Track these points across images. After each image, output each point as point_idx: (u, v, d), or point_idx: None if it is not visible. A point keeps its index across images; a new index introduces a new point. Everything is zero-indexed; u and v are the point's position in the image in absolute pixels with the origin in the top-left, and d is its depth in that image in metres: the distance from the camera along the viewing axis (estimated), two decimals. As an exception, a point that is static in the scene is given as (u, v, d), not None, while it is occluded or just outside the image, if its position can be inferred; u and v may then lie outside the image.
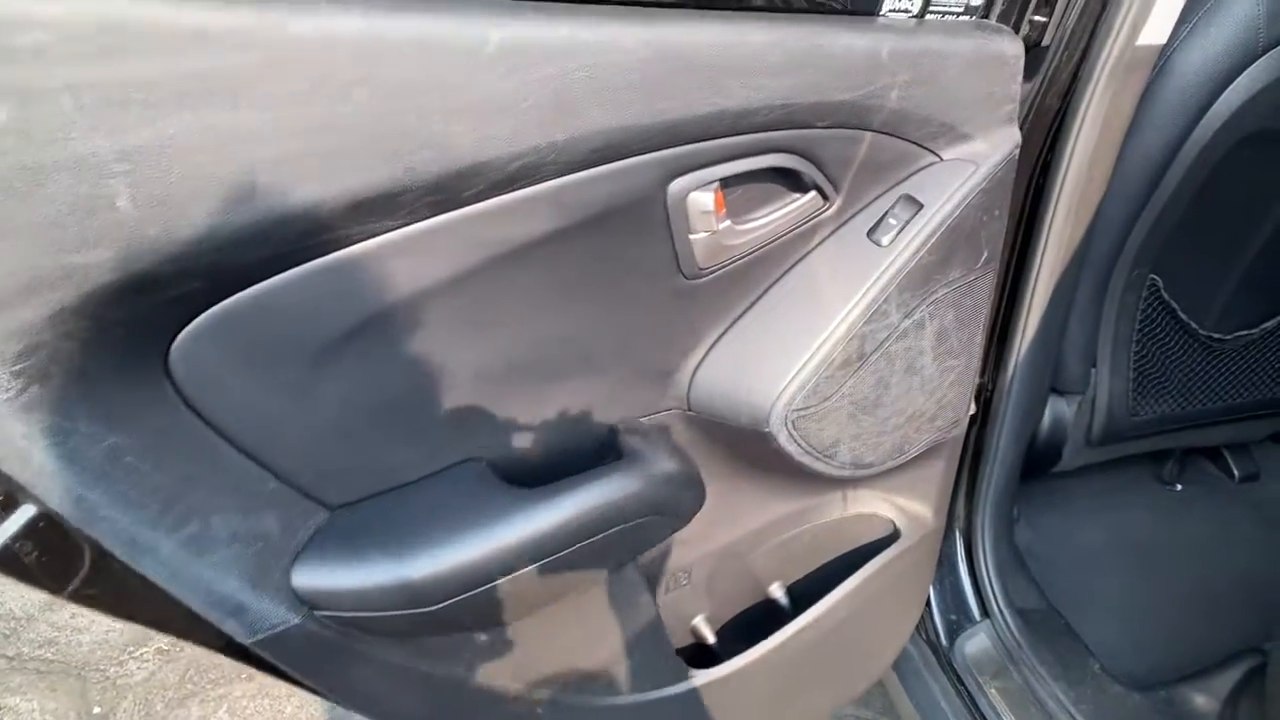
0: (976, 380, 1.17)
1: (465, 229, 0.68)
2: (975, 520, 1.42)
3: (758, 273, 0.93)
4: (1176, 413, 1.54)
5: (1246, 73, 1.15)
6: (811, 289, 0.94)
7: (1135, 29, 1.01)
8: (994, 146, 0.93)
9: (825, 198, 0.90)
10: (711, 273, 0.88)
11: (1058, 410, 1.51)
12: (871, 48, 0.79)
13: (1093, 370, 1.47)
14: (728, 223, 0.84)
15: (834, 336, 0.91)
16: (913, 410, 1.05)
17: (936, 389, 1.05)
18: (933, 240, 0.92)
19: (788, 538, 1.20)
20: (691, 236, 0.83)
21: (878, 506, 1.23)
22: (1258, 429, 1.67)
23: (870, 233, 0.93)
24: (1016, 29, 0.96)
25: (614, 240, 0.79)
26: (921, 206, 0.92)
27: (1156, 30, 1.02)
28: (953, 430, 1.13)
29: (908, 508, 1.23)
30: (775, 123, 0.77)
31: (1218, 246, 1.39)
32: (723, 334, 0.95)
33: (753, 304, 0.95)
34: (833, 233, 0.94)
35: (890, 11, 0.86)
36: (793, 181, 0.88)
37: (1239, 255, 1.40)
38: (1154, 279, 1.38)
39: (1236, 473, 1.77)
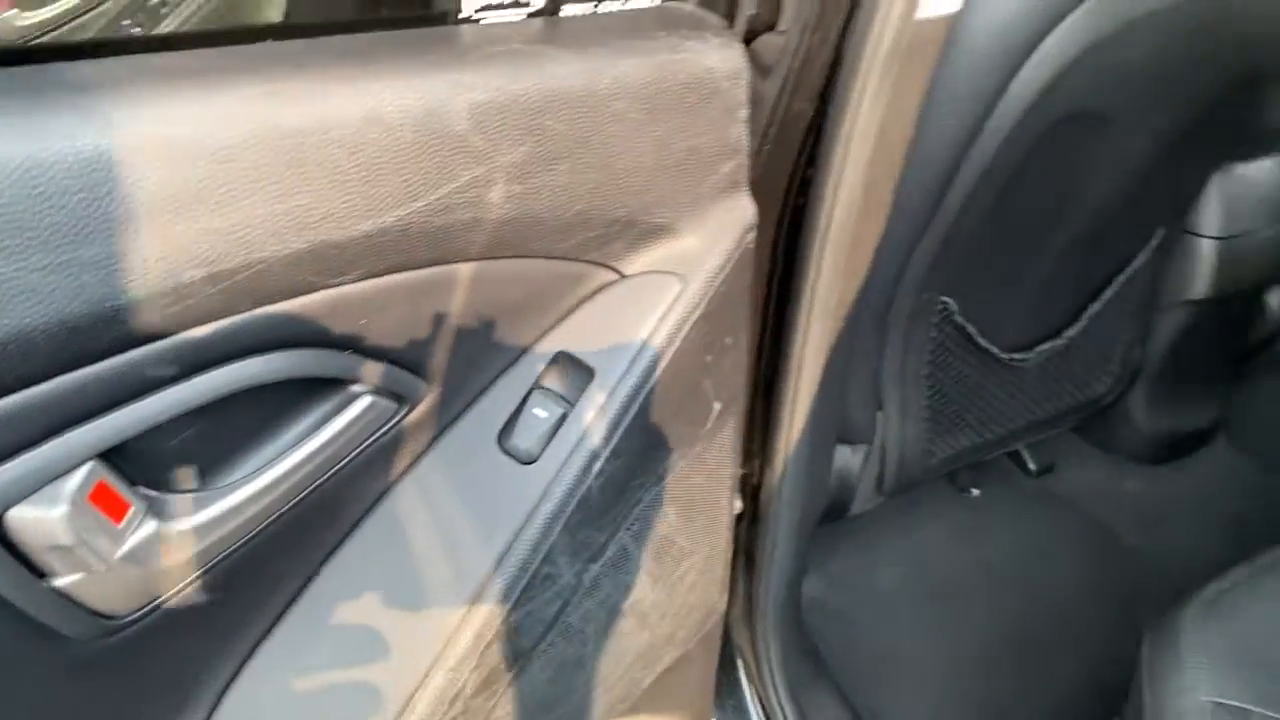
0: (734, 512, 0.84)
1: None
2: (758, 638, 1.11)
3: (277, 567, 0.47)
4: (976, 443, 1.30)
5: (1052, 37, 0.81)
6: (392, 572, 0.49)
7: None
8: (713, 238, 0.53)
9: (399, 397, 0.45)
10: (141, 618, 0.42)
11: (843, 461, 1.24)
12: (438, 105, 0.41)
13: (879, 414, 1.19)
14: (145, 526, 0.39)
15: (448, 659, 0.47)
16: (637, 651, 0.64)
17: (669, 608, 0.65)
18: (624, 424, 0.50)
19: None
20: (59, 583, 0.41)
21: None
22: (1059, 428, 1.47)
23: (502, 438, 0.48)
24: (731, 12, 0.53)
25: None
26: (593, 373, 0.48)
27: None
28: (706, 624, 0.75)
29: None
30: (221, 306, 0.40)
31: (1020, 252, 1.10)
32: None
33: (268, 632, 0.49)
34: (427, 451, 0.49)
35: (485, 10, 0.42)
36: (316, 387, 0.43)
37: (1042, 259, 1.12)
38: (945, 302, 1.09)
39: (1033, 467, 1.61)
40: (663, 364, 0.52)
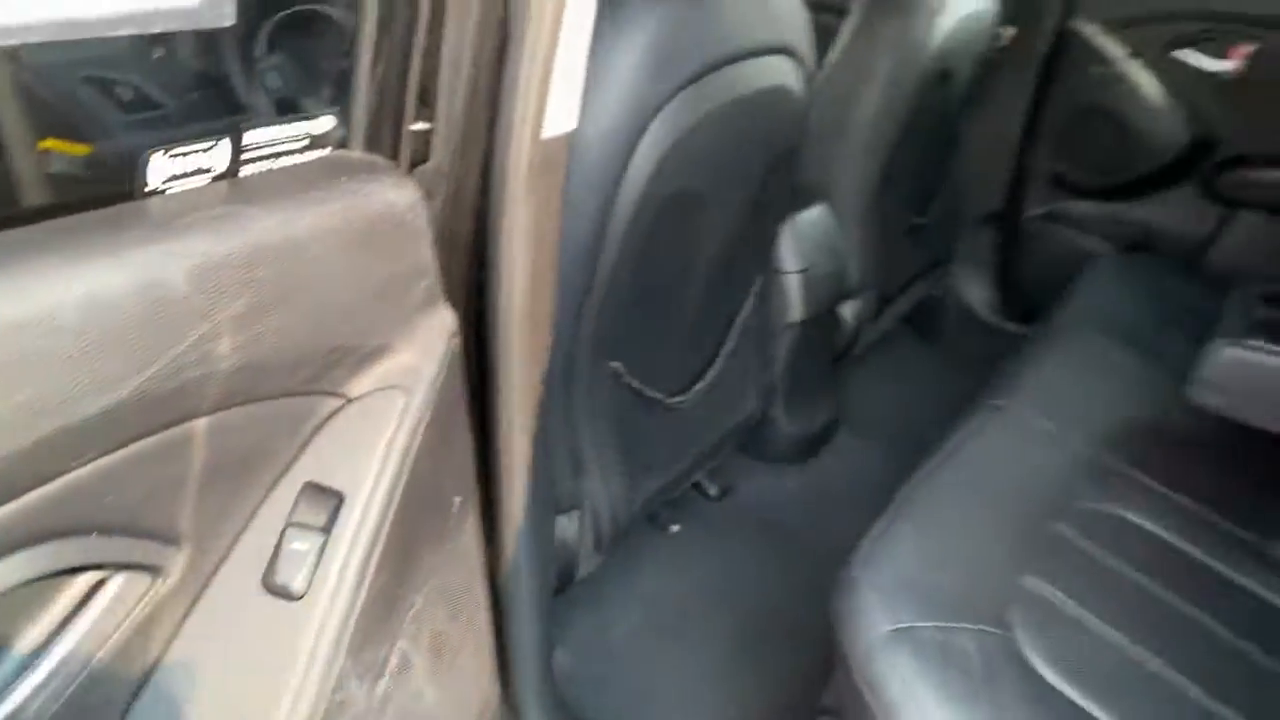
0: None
1: None
2: None
3: None
4: (667, 481, 1.46)
5: (646, 137, 1.00)
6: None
7: (538, 121, 0.75)
8: (424, 350, 0.60)
9: (152, 568, 0.45)
10: None
11: (561, 530, 1.31)
12: (156, 275, 0.43)
13: (582, 479, 1.29)
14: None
15: None
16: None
17: (451, 705, 0.68)
18: (381, 537, 0.53)
19: None
20: None
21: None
22: (726, 450, 1.67)
23: (266, 580, 0.50)
24: (395, 152, 0.60)
25: None
26: (342, 497, 0.51)
27: (563, 117, 0.78)
28: (485, 716, 0.78)
29: None
30: None
31: (662, 313, 1.29)
32: None
33: None
34: (190, 613, 0.49)
35: (171, 181, 0.44)
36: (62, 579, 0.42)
37: (679, 315, 1.32)
38: (615, 366, 1.22)
39: (714, 492, 1.78)
40: (405, 473, 0.56)
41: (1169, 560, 1.07)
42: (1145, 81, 2.01)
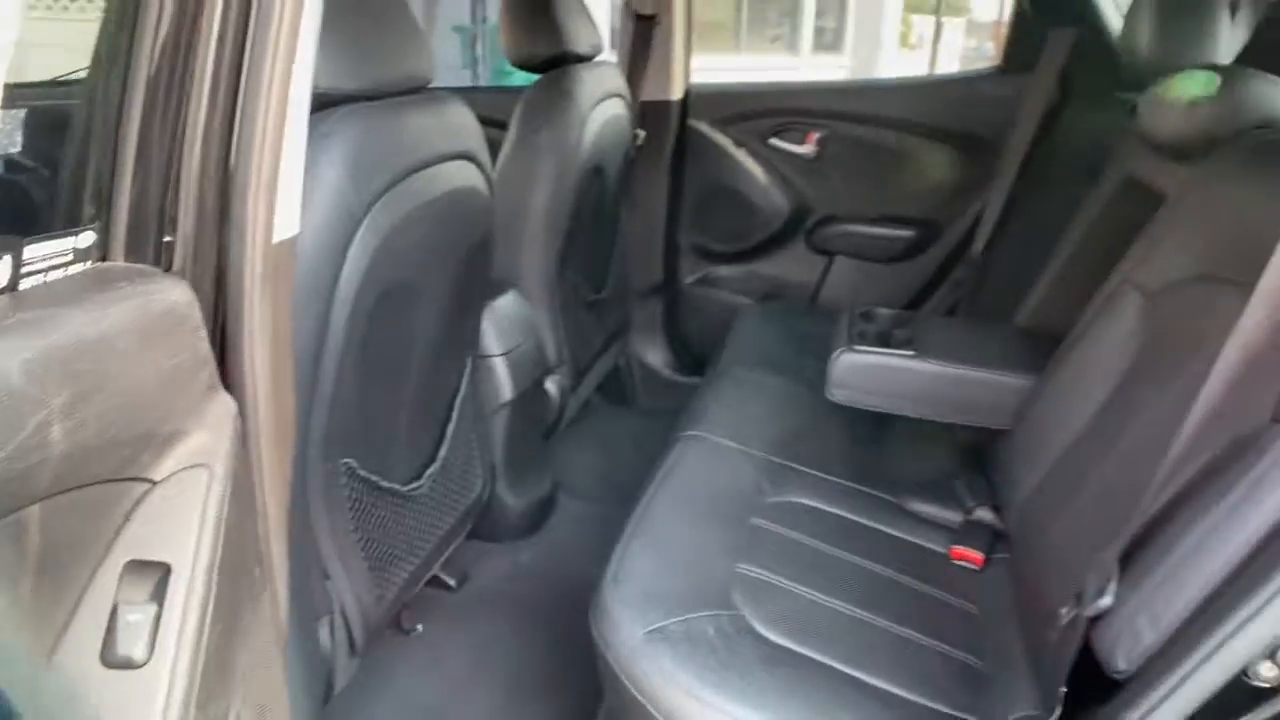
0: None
1: None
2: None
3: None
4: (411, 571, 1.50)
5: (356, 239, 1.11)
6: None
7: (268, 228, 0.83)
8: (216, 431, 0.67)
9: None
10: None
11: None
12: None
13: (329, 583, 1.29)
14: None
15: None
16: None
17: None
18: (211, 599, 0.59)
19: None
20: None
21: None
22: (462, 535, 1.73)
23: (105, 656, 0.54)
24: (156, 259, 0.68)
25: None
26: (169, 567, 0.57)
27: (288, 223, 0.87)
28: None
29: None
30: None
31: (389, 404, 1.37)
32: None
33: None
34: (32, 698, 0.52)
35: None
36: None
37: (404, 403, 1.40)
38: (348, 462, 1.26)
39: (452, 583, 1.79)
40: (220, 540, 0.61)
41: (836, 527, 1.34)
42: (753, 166, 2.47)
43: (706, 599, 1.13)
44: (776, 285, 2.55)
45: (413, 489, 1.47)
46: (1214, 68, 1.38)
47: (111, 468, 0.57)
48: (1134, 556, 0.89)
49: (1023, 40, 2.29)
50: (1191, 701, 0.71)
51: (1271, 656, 0.69)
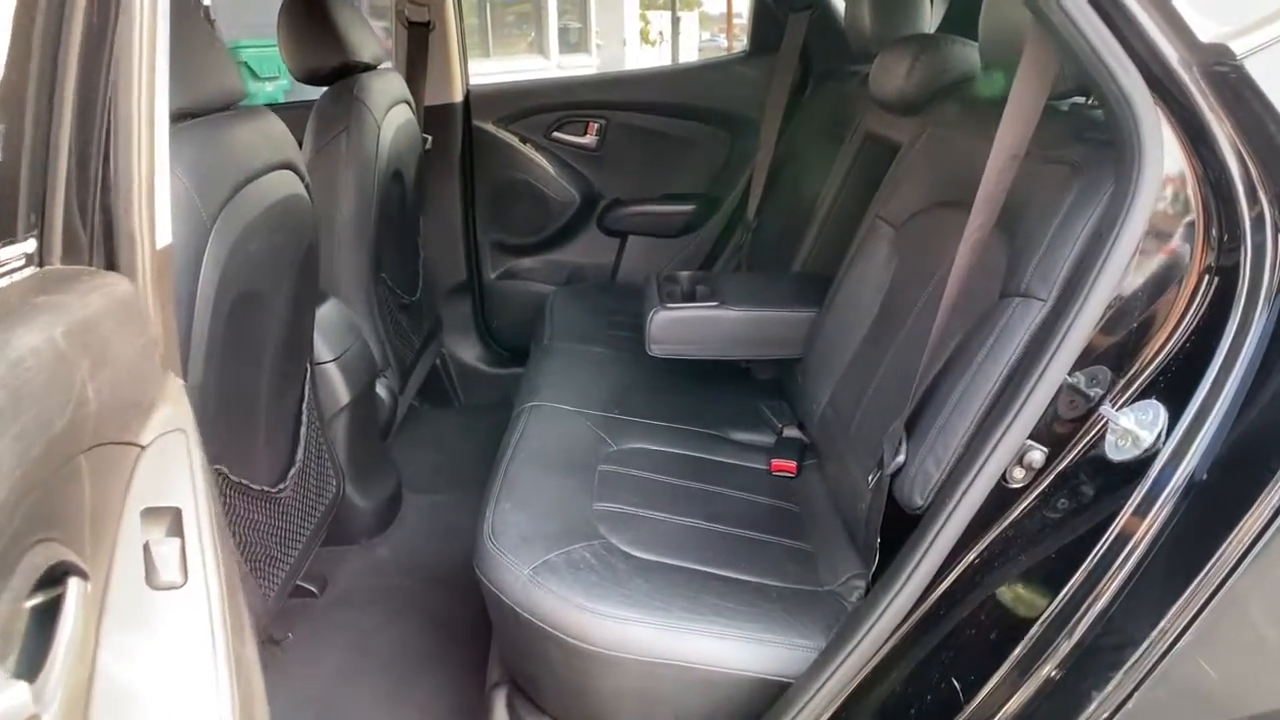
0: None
1: None
2: None
3: None
4: (287, 571, 1.53)
5: (209, 249, 1.15)
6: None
7: (152, 233, 0.88)
8: (178, 401, 0.76)
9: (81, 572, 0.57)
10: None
11: None
12: (39, 342, 0.57)
13: None
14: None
15: None
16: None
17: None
18: (215, 532, 0.70)
19: None
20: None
21: None
22: (320, 541, 1.75)
23: (150, 581, 0.66)
24: (90, 262, 0.75)
25: None
26: (179, 510, 0.69)
27: (165, 232, 0.92)
28: None
29: None
30: None
31: (249, 410, 1.40)
32: None
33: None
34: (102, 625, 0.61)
35: None
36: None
37: (260, 408, 1.44)
38: (220, 469, 1.29)
39: (313, 589, 1.82)
40: (210, 487, 0.70)
41: (672, 461, 1.53)
42: (539, 160, 2.62)
43: (576, 533, 1.26)
44: (577, 270, 2.72)
45: (279, 490, 1.49)
46: (922, 37, 1.69)
47: (115, 431, 0.65)
48: (916, 420, 1.13)
49: (766, 26, 2.60)
50: (970, 509, 0.94)
51: (1020, 461, 0.93)
